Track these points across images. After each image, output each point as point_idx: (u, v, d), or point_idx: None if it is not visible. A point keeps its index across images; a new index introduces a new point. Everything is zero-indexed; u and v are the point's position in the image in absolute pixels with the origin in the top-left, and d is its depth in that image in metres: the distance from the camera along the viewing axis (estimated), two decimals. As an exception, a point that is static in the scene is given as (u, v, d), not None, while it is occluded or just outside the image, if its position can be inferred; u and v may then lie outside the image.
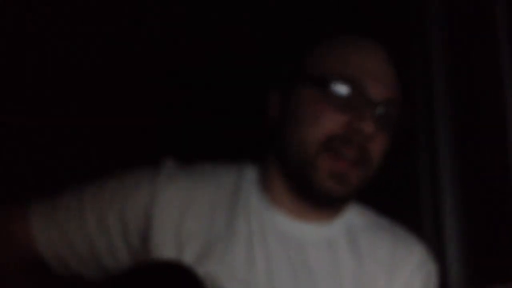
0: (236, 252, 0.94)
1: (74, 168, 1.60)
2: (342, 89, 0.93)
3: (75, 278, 0.98)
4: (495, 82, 1.36)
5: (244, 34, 1.75)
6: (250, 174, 1.02)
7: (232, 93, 1.77)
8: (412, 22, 1.64)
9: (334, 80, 0.93)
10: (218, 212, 0.97)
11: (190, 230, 0.95)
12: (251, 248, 0.95)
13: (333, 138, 0.93)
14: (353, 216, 1.04)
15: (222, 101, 1.79)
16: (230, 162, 1.04)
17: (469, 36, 1.49)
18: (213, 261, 0.93)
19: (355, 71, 0.94)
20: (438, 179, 1.56)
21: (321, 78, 0.94)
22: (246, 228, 0.96)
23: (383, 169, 0.97)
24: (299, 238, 0.97)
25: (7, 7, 1.56)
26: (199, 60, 1.76)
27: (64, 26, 1.65)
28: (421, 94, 1.60)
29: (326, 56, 0.97)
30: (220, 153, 1.10)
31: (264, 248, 0.95)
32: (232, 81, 1.77)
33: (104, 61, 1.70)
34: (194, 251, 0.93)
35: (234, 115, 1.76)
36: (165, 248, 0.93)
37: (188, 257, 0.93)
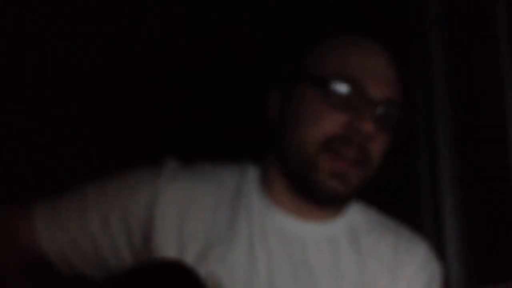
0: (237, 252, 0.94)
1: (74, 168, 1.60)
2: (342, 88, 0.93)
3: (76, 278, 0.98)
4: (495, 82, 1.36)
5: (244, 34, 1.75)
6: (252, 174, 1.02)
7: (232, 93, 1.77)
8: (412, 22, 1.64)
9: (334, 80, 0.93)
10: (220, 212, 0.97)
11: (191, 230, 0.95)
12: (252, 248, 0.95)
13: (333, 138, 0.92)
14: (356, 215, 1.04)
15: (222, 101, 1.79)
16: (231, 162, 1.05)
17: (469, 36, 1.49)
18: (214, 261, 0.93)
19: (355, 71, 0.94)
20: (438, 179, 1.56)
21: (321, 78, 0.94)
22: (247, 228, 0.96)
23: (383, 169, 0.97)
24: (300, 237, 0.97)
25: (7, 7, 1.56)
26: (199, 60, 1.76)
27: (64, 26, 1.65)
28: (421, 94, 1.60)
29: (326, 56, 0.97)
30: (220, 153, 1.10)
31: (265, 248, 0.95)
32: (232, 81, 1.77)
33: (104, 61, 1.70)
34: (195, 251, 0.94)
35: (234, 115, 1.76)
36: (166, 248, 0.94)
37: (189, 257, 0.93)
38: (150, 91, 1.75)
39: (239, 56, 1.75)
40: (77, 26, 1.66)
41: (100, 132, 1.70)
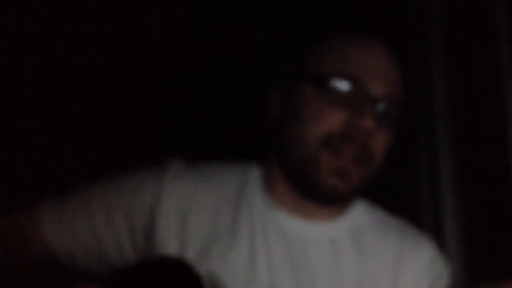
0: (237, 251, 0.94)
1: (74, 168, 1.60)
2: (342, 86, 0.93)
3: (79, 276, 0.99)
4: (495, 82, 1.36)
5: (244, 34, 1.75)
6: (254, 174, 1.02)
7: (232, 93, 1.77)
8: (412, 22, 1.64)
9: (334, 78, 0.93)
10: (222, 211, 0.97)
11: (193, 229, 0.95)
12: (253, 247, 0.95)
13: (333, 136, 0.92)
14: (360, 215, 1.03)
15: (222, 101, 1.79)
16: (235, 162, 1.05)
17: (469, 36, 1.49)
18: (214, 260, 0.93)
19: (355, 68, 0.94)
20: (438, 179, 1.56)
21: (321, 76, 0.94)
22: (249, 228, 0.96)
23: (383, 169, 0.97)
24: (301, 237, 0.97)
25: (7, 7, 1.56)
26: (199, 60, 1.76)
27: (64, 26, 1.65)
28: (421, 94, 1.60)
29: (326, 55, 0.97)
30: (220, 153, 1.10)
31: (266, 247, 0.95)
32: (232, 81, 1.77)
33: (104, 61, 1.70)
34: (196, 250, 0.94)
35: (234, 115, 1.76)
36: (168, 246, 0.94)
37: (190, 255, 0.93)
38: (150, 91, 1.75)
39: (239, 56, 1.75)
40: (77, 26, 1.66)
41: (100, 132, 1.70)
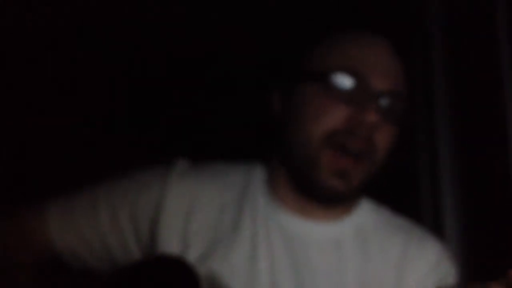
0: (239, 251, 0.94)
1: (74, 168, 1.60)
2: (344, 82, 0.93)
3: (84, 276, 1.00)
4: (495, 82, 1.36)
5: (244, 34, 1.75)
6: (258, 174, 1.02)
7: (232, 93, 1.77)
8: (412, 22, 1.63)
9: (336, 73, 0.93)
10: (225, 211, 0.98)
11: (196, 229, 0.96)
12: (255, 247, 0.95)
13: (336, 133, 0.92)
14: (365, 215, 1.02)
15: (222, 101, 1.79)
16: (239, 163, 1.05)
17: (469, 36, 1.49)
18: (215, 260, 0.93)
19: (357, 63, 0.93)
20: (438, 179, 1.56)
21: (323, 72, 0.94)
22: (252, 228, 0.96)
23: (383, 168, 0.97)
24: (303, 237, 0.97)
25: (7, 7, 1.56)
26: (199, 60, 1.76)
27: (64, 26, 1.65)
28: (421, 94, 1.60)
29: (327, 52, 0.96)
30: (220, 153, 1.10)
31: (268, 247, 0.95)
32: (233, 81, 1.77)
33: (104, 61, 1.70)
34: (198, 250, 0.94)
35: (234, 115, 1.76)
36: (170, 245, 0.95)
37: (192, 256, 0.94)
38: (150, 91, 1.75)
39: (240, 56, 1.75)
40: (77, 26, 1.66)
41: (100, 132, 1.70)
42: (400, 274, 0.98)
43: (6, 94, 1.59)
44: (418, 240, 1.01)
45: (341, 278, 0.96)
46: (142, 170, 1.01)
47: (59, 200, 1.01)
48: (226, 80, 1.78)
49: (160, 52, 1.74)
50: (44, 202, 1.01)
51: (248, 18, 1.74)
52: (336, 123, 0.92)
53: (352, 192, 0.96)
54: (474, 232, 1.48)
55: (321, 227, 0.98)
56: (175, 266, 0.87)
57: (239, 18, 1.74)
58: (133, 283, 0.89)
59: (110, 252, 0.98)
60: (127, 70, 1.73)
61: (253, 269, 0.94)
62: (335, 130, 0.92)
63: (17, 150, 1.62)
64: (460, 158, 1.53)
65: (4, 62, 1.59)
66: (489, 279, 0.76)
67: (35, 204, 1.01)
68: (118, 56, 1.70)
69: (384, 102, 0.93)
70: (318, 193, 0.95)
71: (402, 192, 1.57)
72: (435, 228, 1.54)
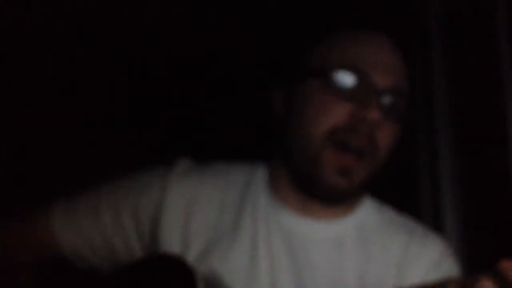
0: (239, 249, 0.95)
1: (74, 168, 1.60)
2: (346, 79, 0.92)
3: (84, 276, 1.01)
4: (495, 82, 1.36)
5: (244, 34, 1.75)
6: (260, 174, 1.02)
7: (232, 93, 1.77)
8: (412, 22, 1.64)
9: (338, 71, 0.93)
10: (226, 210, 0.98)
11: (196, 228, 0.96)
12: (255, 246, 0.95)
13: (338, 130, 0.91)
14: (367, 213, 1.02)
15: (222, 101, 1.79)
16: (241, 162, 1.05)
17: (469, 36, 1.49)
18: (216, 258, 0.93)
19: (359, 61, 0.93)
20: (438, 179, 1.56)
21: (325, 70, 0.94)
22: (252, 227, 0.96)
23: (384, 168, 0.97)
24: (304, 236, 0.97)
25: (7, 7, 1.56)
26: (199, 60, 1.76)
27: (64, 26, 1.65)
28: (421, 94, 1.60)
29: (329, 49, 0.96)
30: (220, 153, 1.10)
31: (268, 246, 0.95)
32: (233, 81, 1.77)
33: (104, 61, 1.70)
34: (199, 248, 0.95)
35: (234, 115, 1.76)
36: (171, 244, 0.95)
37: (193, 254, 0.94)
38: (150, 91, 1.75)
39: (239, 56, 1.75)
40: (77, 26, 1.66)
41: (100, 132, 1.70)
42: (401, 272, 0.97)
43: (6, 94, 1.59)
44: (420, 238, 1.01)
45: (341, 277, 0.96)
46: (143, 170, 1.02)
47: (63, 201, 1.02)
48: (226, 80, 1.78)
49: (160, 52, 1.74)
50: (48, 203, 1.02)
51: (248, 18, 1.74)
52: (338, 121, 0.92)
53: (354, 190, 0.96)
54: (474, 232, 1.48)
55: (322, 226, 0.98)
56: (171, 266, 0.88)
57: (239, 18, 1.74)
58: (132, 283, 0.90)
59: (113, 251, 0.99)
60: (127, 70, 1.73)
61: (253, 268, 0.94)
62: (337, 127, 0.92)
63: (17, 150, 1.62)
64: (460, 158, 1.54)
65: (4, 62, 1.59)
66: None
67: (39, 205, 1.02)
68: (118, 56, 1.70)
69: (386, 99, 0.93)
70: (320, 191, 0.95)
71: (402, 192, 1.57)
72: (435, 228, 1.53)
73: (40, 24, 1.62)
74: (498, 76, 1.35)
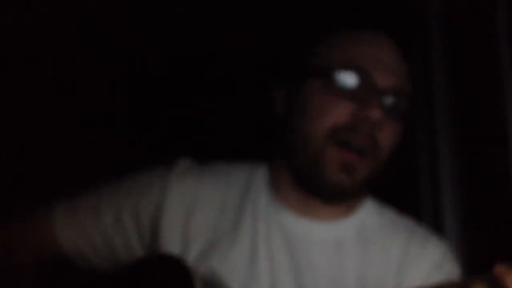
0: (239, 250, 0.95)
1: (74, 168, 1.60)
2: (348, 78, 0.92)
3: (84, 276, 1.01)
4: (495, 82, 1.36)
5: (244, 34, 1.75)
6: (261, 174, 1.02)
7: (232, 93, 1.77)
8: (412, 22, 1.63)
9: (339, 69, 0.93)
10: (227, 210, 0.98)
11: (196, 228, 0.96)
12: (255, 246, 0.95)
13: (340, 129, 0.92)
14: (368, 215, 1.02)
15: (222, 101, 1.79)
16: (242, 162, 1.05)
17: (469, 36, 1.49)
18: (216, 258, 0.93)
19: (362, 61, 0.93)
20: (438, 179, 1.56)
21: (327, 69, 0.94)
22: (252, 227, 0.96)
23: (384, 168, 0.97)
24: (304, 237, 0.97)
25: (7, 7, 1.56)
26: (199, 60, 1.76)
27: (64, 26, 1.65)
28: (421, 94, 1.60)
29: (331, 48, 0.96)
30: (220, 153, 1.10)
31: (268, 246, 0.95)
32: (233, 81, 1.77)
33: (104, 61, 1.70)
34: (199, 248, 0.95)
35: (234, 115, 1.76)
36: (171, 244, 0.95)
37: (193, 254, 0.94)
38: (150, 91, 1.75)
39: (239, 56, 1.75)
40: (77, 26, 1.66)
41: (100, 131, 1.70)
42: (401, 272, 0.97)
43: (6, 94, 1.59)
44: (420, 239, 1.01)
45: (341, 277, 0.96)
46: (143, 170, 1.02)
47: (63, 201, 1.02)
48: (226, 80, 1.78)
49: (160, 52, 1.74)
50: (48, 203, 1.02)
51: (248, 18, 1.74)
52: (340, 120, 0.92)
53: (356, 188, 0.96)
54: (474, 232, 1.48)
55: (322, 227, 0.98)
56: (170, 266, 0.88)
57: (239, 18, 1.74)
58: (131, 283, 0.90)
59: (113, 251, 0.99)
60: (127, 70, 1.73)
61: (253, 268, 0.94)
62: (339, 126, 0.92)
63: (17, 150, 1.62)
64: (460, 158, 1.53)
65: (4, 62, 1.59)
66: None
67: (39, 205, 1.03)
68: (118, 56, 1.70)
69: (387, 100, 0.93)
70: (323, 189, 0.95)
71: (402, 192, 1.57)
72: (435, 228, 1.53)
73: (40, 24, 1.62)
74: (498, 76, 1.35)
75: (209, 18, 1.74)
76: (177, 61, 1.77)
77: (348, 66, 0.93)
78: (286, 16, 1.69)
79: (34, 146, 1.63)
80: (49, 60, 1.65)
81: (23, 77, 1.63)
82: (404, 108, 0.95)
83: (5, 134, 1.58)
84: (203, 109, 1.79)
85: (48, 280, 0.99)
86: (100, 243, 0.99)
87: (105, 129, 1.71)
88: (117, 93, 1.73)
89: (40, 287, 0.98)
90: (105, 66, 1.70)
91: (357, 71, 0.92)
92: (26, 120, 1.62)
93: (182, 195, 0.98)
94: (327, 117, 0.92)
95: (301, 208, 0.98)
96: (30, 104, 1.64)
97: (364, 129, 0.91)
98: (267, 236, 0.96)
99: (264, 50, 1.67)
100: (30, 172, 1.60)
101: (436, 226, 1.54)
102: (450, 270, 1.00)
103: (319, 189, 0.95)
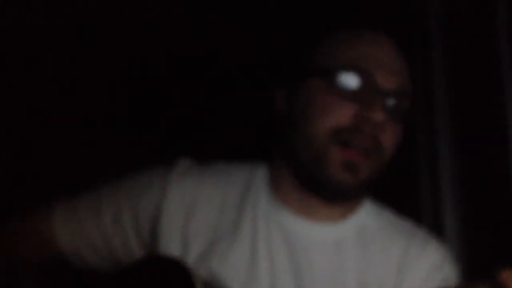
0: (239, 250, 0.94)
1: (74, 168, 1.60)
2: (350, 79, 0.92)
3: (84, 276, 1.01)
4: (495, 82, 1.36)
5: (244, 34, 1.75)
6: (261, 174, 1.02)
7: (232, 93, 1.77)
8: (412, 22, 1.64)
9: (342, 71, 0.92)
10: (226, 211, 0.98)
11: (196, 228, 0.96)
12: (255, 247, 0.95)
13: (342, 130, 0.91)
14: (367, 216, 1.02)
15: (222, 101, 1.79)
16: (242, 162, 1.05)
17: (469, 36, 1.49)
18: (216, 259, 0.93)
19: (363, 61, 0.93)
20: (438, 179, 1.56)
21: (329, 69, 0.93)
22: (252, 227, 0.96)
23: (385, 168, 0.97)
24: (304, 237, 0.97)
25: (7, 7, 1.56)
26: (199, 60, 1.76)
27: (64, 26, 1.65)
28: (421, 94, 1.60)
29: (333, 49, 0.96)
30: (220, 153, 1.10)
31: (268, 247, 0.95)
32: (233, 81, 1.77)
33: (104, 61, 1.70)
34: (199, 249, 0.94)
35: (234, 115, 1.76)
36: (171, 244, 0.95)
37: (193, 254, 0.94)
38: (150, 91, 1.75)
39: (239, 56, 1.75)
40: (77, 26, 1.66)
41: (100, 131, 1.70)
42: (400, 274, 0.97)
43: (6, 94, 1.59)
44: (420, 242, 1.00)
45: (341, 278, 0.95)
46: (143, 170, 1.02)
47: (63, 201, 1.02)
48: (226, 80, 1.78)
49: (160, 52, 1.74)
50: (48, 203, 1.02)
51: (248, 18, 1.74)
52: (342, 120, 0.91)
53: (358, 187, 0.95)
54: (474, 232, 1.48)
55: (322, 227, 0.98)
56: (170, 267, 0.88)
57: (239, 18, 1.74)
58: (130, 284, 0.90)
59: (113, 251, 0.99)
60: (127, 70, 1.73)
61: (253, 269, 0.94)
62: (341, 127, 0.91)
63: (17, 150, 1.62)
64: (460, 158, 1.53)
65: (4, 62, 1.59)
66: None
67: (39, 205, 1.03)
68: (118, 56, 1.70)
69: (390, 100, 0.93)
70: (325, 189, 0.95)
71: (402, 192, 1.57)
72: (435, 228, 1.54)
73: (40, 24, 1.62)
74: (498, 76, 1.35)
75: (209, 18, 1.74)
76: (177, 61, 1.77)
77: (350, 67, 0.92)
78: (286, 16, 1.69)
79: (34, 146, 1.63)
80: (49, 60, 1.65)
81: (23, 77, 1.63)
82: (405, 109, 0.95)
83: (5, 134, 1.58)
84: (203, 109, 1.79)
85: (48, 280, 0.99)
86: (100, 243, 0.99)
87: (105, 129, 1.71)
88: (117, 93, 1.73)
89: (40, 287, 0.98)
90: (105, 66, 1.70)
91: (360, 72, 0.92)
92: (26, 120, 1.62)
93: (182, 195, 0.97)
94: (330, 117, 0.92)
95: (302, 208, 0.98)
96: (30, 104, 1.64)
97: (367, 130, 0.91)
98: (267, 236, 0.96)
99: (264, 50, 1.67)
100: (30, 172, 1.60)
101: (436, 226, 1.54)
102: (449, 273, 1.00)
103: (322, 188, 0.95)
